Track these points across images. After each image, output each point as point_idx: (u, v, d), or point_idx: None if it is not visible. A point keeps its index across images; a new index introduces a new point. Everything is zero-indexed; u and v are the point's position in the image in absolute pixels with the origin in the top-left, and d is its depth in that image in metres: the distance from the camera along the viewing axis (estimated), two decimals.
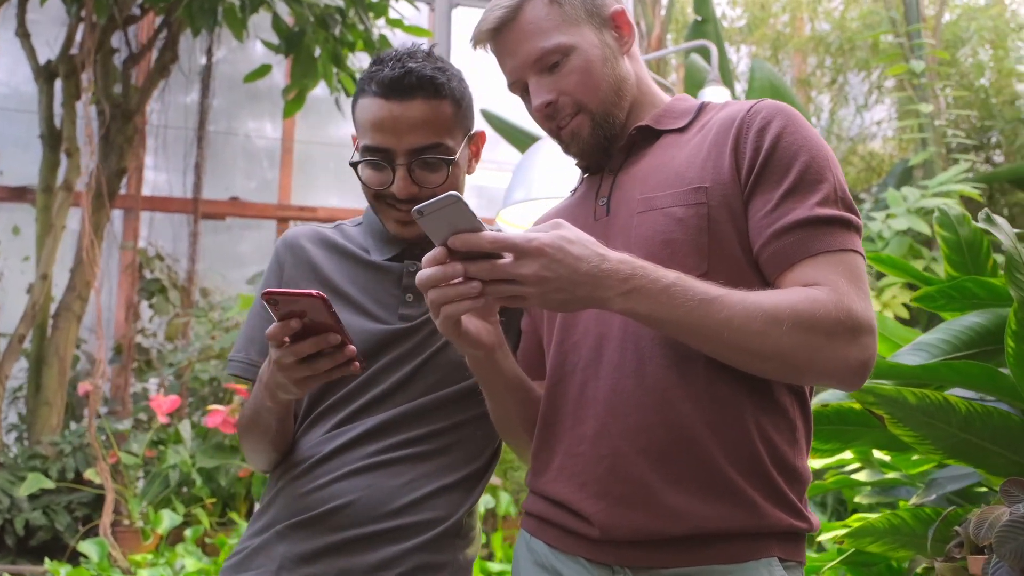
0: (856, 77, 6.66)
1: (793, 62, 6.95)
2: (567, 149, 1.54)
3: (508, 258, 1.20)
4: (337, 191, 7.22)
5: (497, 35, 1.50)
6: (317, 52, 5.20)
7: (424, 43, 1.67)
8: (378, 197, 1.65)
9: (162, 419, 4.22)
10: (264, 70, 5.67)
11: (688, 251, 1.34)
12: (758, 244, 1.34)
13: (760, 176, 1.35)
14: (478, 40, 1.53)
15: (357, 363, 1.40)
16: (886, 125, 6.57)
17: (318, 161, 7.20)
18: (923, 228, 4.43)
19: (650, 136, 1.50)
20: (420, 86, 1.57)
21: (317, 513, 1.56)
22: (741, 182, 1.36)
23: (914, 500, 2.16)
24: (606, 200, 1.48)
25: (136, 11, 5.37)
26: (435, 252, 1.22)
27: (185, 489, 4.24)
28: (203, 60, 6.77)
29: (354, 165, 1.64)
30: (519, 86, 1.52)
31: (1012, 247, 1.65)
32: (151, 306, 5.81)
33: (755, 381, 1.32)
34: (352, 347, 1.38)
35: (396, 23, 5.33)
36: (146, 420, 5.17)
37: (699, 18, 5.70)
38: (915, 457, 2.39)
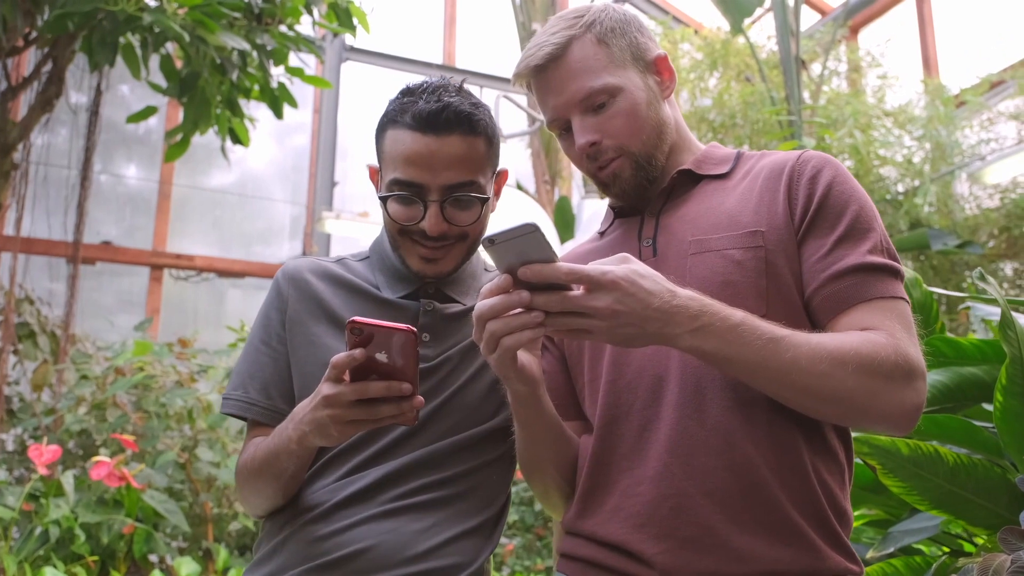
0: None
1: None
2: (606, 190, 1.54)
3: (578, 290, 1.19)
4: (217, 240, 7.02)
5: (543, 72, 1.49)
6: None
7: (452, 77, 1.64)
8: (403, 232, 1.60)
9: (42, 471, 3.94)
10: (149, 111, 5.49)
11: (748, 293, 1.35)
12: (812, 287, 1.37)
13: (813, 222, 1.38)
14: (521, 76, 1.52)
15: (417, 414, 1.33)
16: None
17: (197, 207, 6.99)
18: None
19: (690, 181, 1.53)
20: (457, 122, 1.54)
21: (335, 558, 1.48)
22: (794, 226, 1.39)
23: (871, 554, 2.21)
24: (651, 241, 1.48)
25: (20, 43, 5.11)
26: (499, 281, 1.20)
27: (64, 545, 3.97)
28: (83, 98, 6.49)
29: (383, 199, 1.58)
30: (559, 124, 1.52)
31: (1004, 305, 1.74)
32: (16, 352, 5.46)
33: (810, 424, 1.35)
34: (421, 398, 1.31)
35: (296, 72, 5.25)
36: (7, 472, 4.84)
37: None
38: (855, 513, 2.46)
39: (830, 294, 1.35)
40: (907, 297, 1.36)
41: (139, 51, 4.78)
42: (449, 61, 8.59)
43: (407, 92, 1.60)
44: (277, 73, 5.32)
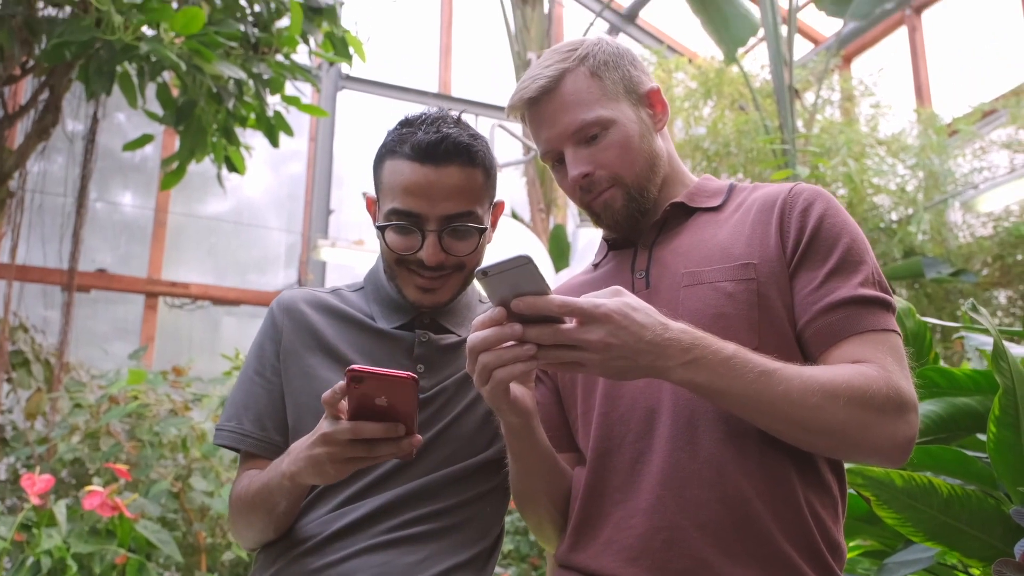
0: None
1: None
2: (598, 221, 1.55)
3: (570, 323, 1.19)
4: (212, 267, 7.02)
5: (536, 104, 1.50)
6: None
7: (451, 109, 1.66)
8: (400, 262, 1.61)
9: (35, 500, 3.92)
10: (145, 139, 5.50)
11: (740, 325, 1.36)
12: (804, 319, 1.37)
13: (805, 254, 1.39)
14: (515, 108, 1.53)
15: (415, 451, 1.33)
16: None
17: (192, 235, 6.99)
18: None
19: (683, 213, 1.53)
20: (456, 153, 1.55)
21: None
22: (786, 258, 1.40)
23: None
24: (644, 273, 1.49)
25: (17, 71, 5.12)
26: (492, 313, 1.20)
27: None
28: (78, 126, 6.50)
29: (381, 229, 1.59)
30: (552, 156, 1.53)
31: (996, 336, 1.74)
32: (9, 380, 5.44)
33: (802, 457, 1.35)
34: (419, 437, 1.31)
35: (292, 100, 5.26)
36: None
37: None
38: (849, 544, 2.45)
39: (822, 327, 1.35)
40: (899, 330, 1.37)
41: (136, 80, 4.79)
42: (445, 90, 8.63)
43: (406, 123, 1.61)
44: (273, 102, 5.34)
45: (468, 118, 1.70)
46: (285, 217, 7.59)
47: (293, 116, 5.37)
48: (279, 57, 5.13)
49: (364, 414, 1.29)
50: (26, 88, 6.16)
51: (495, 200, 1.69)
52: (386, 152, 1.61)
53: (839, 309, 1.35)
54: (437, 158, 1.54)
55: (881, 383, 1.27)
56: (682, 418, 1.36)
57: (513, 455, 1.44)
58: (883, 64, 7.54)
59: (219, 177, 5.59)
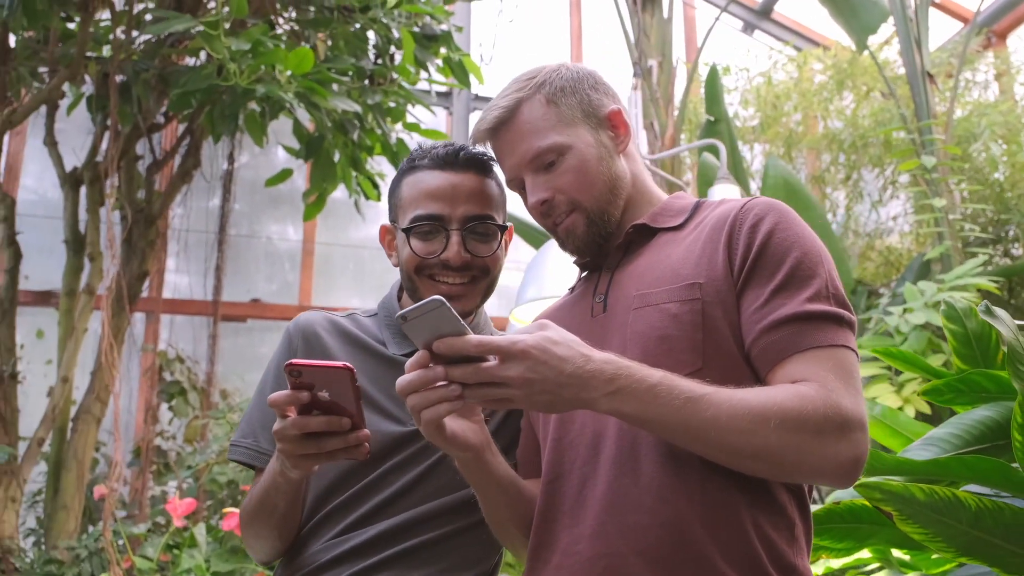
0: (870, 173, 6.70)
1: (807, 159, 7.03)
2: (563, 246, 1.56)
3: (493, 361, 1.21)
4: (357, 292, 7.27)
5: (495, 134, 1.54)
6: (336, 156, 5.30)
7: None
8: (421, 270, 1.67)
9: (178, 522, 4.18)
10: (285, 174, 5.78)
11: (683, 347, 1.34)
12: (749, 339, 1.34)
13: (752, 272, 1.36)
14: (477, 139, 1.57)
15: (367, 447, 1.36)
16: (902, 220, 6.60)
17: (338, 263, 7.27)
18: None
19: (646, 234, 1.53)
20: (472, 162, 1.68)
21: None
22: (734, 277, 1.37)
23: None
24: (603, 297, 1.49)
25: (160, 119, 5.49)
26: (418, 356, 1.23)
27: None
28: (225, 165, 6.89)
29: (407, 231, 1.65)
30: (517, 183, 1.56)
31: (1014, 339, 1.65)
32: (170, 408, 5.81)
33: (750, 479, 1.31)
34: (366, 431, 1.34)
35: (413, 127, 5.43)
36: (164, 524, 5.14)
37: (711, 118, 5.79)
38: (935, 556, 2.33)
39: (765, 346, 1.32)
40: (852, 345, 1.32)
41: (260, 120, 5.04)
42: None
43: (418, 150, 1.74)
44: (398, 128, 5.52)
45: None
46: None
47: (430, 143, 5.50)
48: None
49: (310, 411, 1.32)
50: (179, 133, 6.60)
51: (507, 223, 1.75)
52: (405, 170, 1.72)
53: (783, 327, 1.31)
54: (456, 165, 1.67)
55: (819, 403, 1.23)
56: (626, 442, 1.35)
57: (472, 486, 1.46)
58: None
59: (356, 204, 5.81)
